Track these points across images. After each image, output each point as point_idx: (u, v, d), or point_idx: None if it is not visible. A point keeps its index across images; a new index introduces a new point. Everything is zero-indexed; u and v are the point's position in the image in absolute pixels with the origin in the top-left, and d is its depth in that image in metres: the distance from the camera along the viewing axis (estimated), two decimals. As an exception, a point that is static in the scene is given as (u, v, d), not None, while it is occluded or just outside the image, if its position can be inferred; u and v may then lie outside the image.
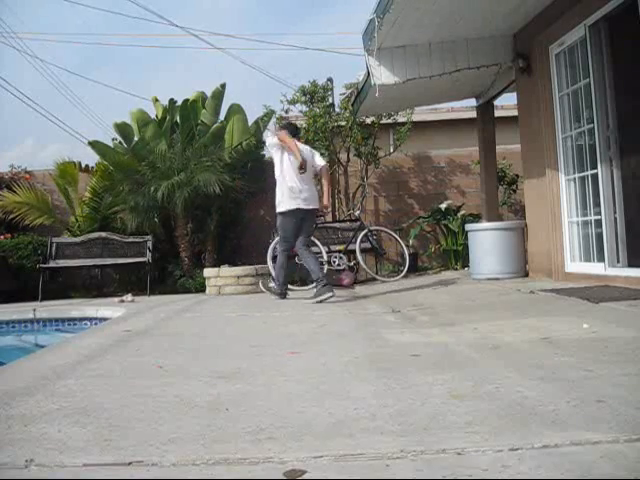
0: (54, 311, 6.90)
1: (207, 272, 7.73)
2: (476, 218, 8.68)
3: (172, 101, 9.38)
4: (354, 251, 7.90)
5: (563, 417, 1.68)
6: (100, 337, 4.08)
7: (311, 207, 5.85)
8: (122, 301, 7.16)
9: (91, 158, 13.31)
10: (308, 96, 9.53)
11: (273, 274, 7.46)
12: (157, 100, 10.03)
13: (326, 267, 7.50)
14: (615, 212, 5.20)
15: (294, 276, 7.90)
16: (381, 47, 6.03)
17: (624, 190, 5.20)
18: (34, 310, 6.79)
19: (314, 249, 7.60)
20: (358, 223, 8.20)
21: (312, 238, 7.62)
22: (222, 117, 9.78)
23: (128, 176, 8.71)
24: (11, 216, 8.99)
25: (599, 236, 5.37)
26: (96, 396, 2.26)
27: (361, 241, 7.90)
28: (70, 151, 35.29)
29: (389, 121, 10.01)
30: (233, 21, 43.08)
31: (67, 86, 38.15)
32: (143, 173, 8.62)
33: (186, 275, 8.55)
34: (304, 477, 1.38)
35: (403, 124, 9.92)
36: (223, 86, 9.89)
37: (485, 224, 7.54)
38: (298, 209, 5.75)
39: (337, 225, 8.56)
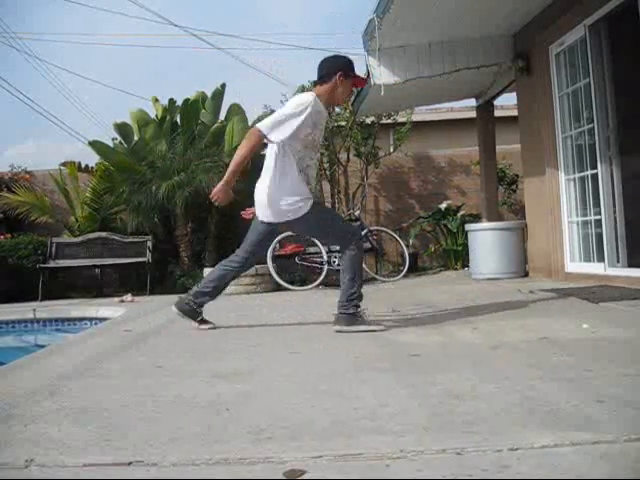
0: (54, 311, 6.90)
1: (207, 272, 7.72)
2: (476, 218, 8.69)
3: (172, 101, 9.39)
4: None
5: (563, 417, 1.68)
6: (100, 337, 4.08)
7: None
8: (122, 301, 7.16)
9: (91, 158, 13.31)
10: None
11: (274, 275, 7.44)
12: (157, 100, 10.03)
13: (326, 267, 7.50)
14: (615, 212, 5.20)
15: (294, 276, 7.90)
16: (381, 47, 6.03)
17: (624, 190, 5.20)
18: (34, 310, 6.79)
19: (314, 249, 7.61)
20: (358, 223, 8.20)
21: (312, 238, 7.60)
22: (222, 117, 9.78)
23: (128, 176, 8.71)
24: (16, 212, 9.04)
25: (599, 236, 5.37)
26: (96, 396, 2.26)
27: (361, 241, 7.90)
28: (70, 151, 35.30)
29: (389, 121, 10.01)
30: (234, 20, 43.05)
31: (67, 86, 38.14)
32: (143, 173, 8.63)
33: (186, 275, 8.55)
34: (304, 477, 1.38)
35: (403, 124, 9.92)
36: (223, 86, 9.90)
37: (485, 224, 7.54)
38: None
39: (337, 225, 8.54)
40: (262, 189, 3.66)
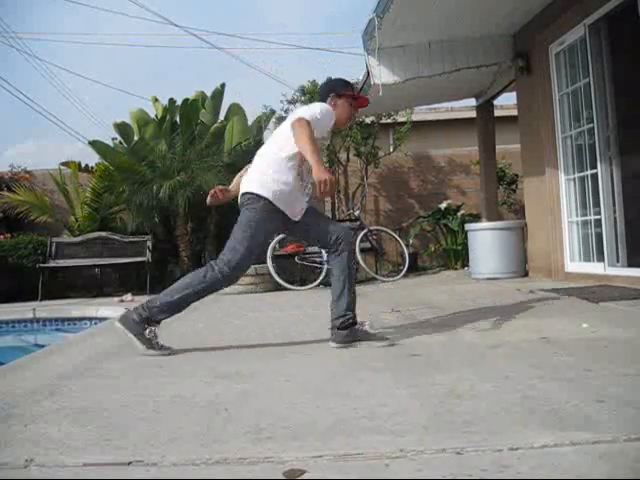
0: (54, 311, 6.90)
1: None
2: (476, 218, 8.69)
3: (172, 101, 9.38)
4: (354, 251, 7.88)
5: (563, 417, 1.68)
6: (100, 337, 4.08)
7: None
8: (122, 301, 7.16)
9: (91, 158, 13.31)
10: (308, 96, 9.52)
11: (274, 275, 7.42)
12: (157, 100, 10.03)
13: (326, 267, 7.50)
14: (615, 212, 5.20)
15: (294, 276, 7.90)
16: (381, 47, 6.02)
17: (624, 190, 5.20)
18: (34, 310, 6.79)
19: (313, 249, 7.60)
20: (358, 223, 8.20)
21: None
22: (222, 117, 9.79)
23: (128, 176, 8.71)
24: (16, 211, 9.04)
25: (599, 236, 5.37)
26: (96, 396, 2.26)
27: (361, 241, 7.90)
28: (70, 151, 35.30)
29: (389, 121, 10.01)
30: (234, 20, 43.09)
31: (67, 86, 38.14)
32: (143, 173, 8.63)
33: (186, 274, 8.55)
34: (304, 477, 1.38)
35: (403, 124, 9.92)
36: (223, 86, 9.90)
37: (485, 224, 7.54)
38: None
39: (337, 225, 8.55)
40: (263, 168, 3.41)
